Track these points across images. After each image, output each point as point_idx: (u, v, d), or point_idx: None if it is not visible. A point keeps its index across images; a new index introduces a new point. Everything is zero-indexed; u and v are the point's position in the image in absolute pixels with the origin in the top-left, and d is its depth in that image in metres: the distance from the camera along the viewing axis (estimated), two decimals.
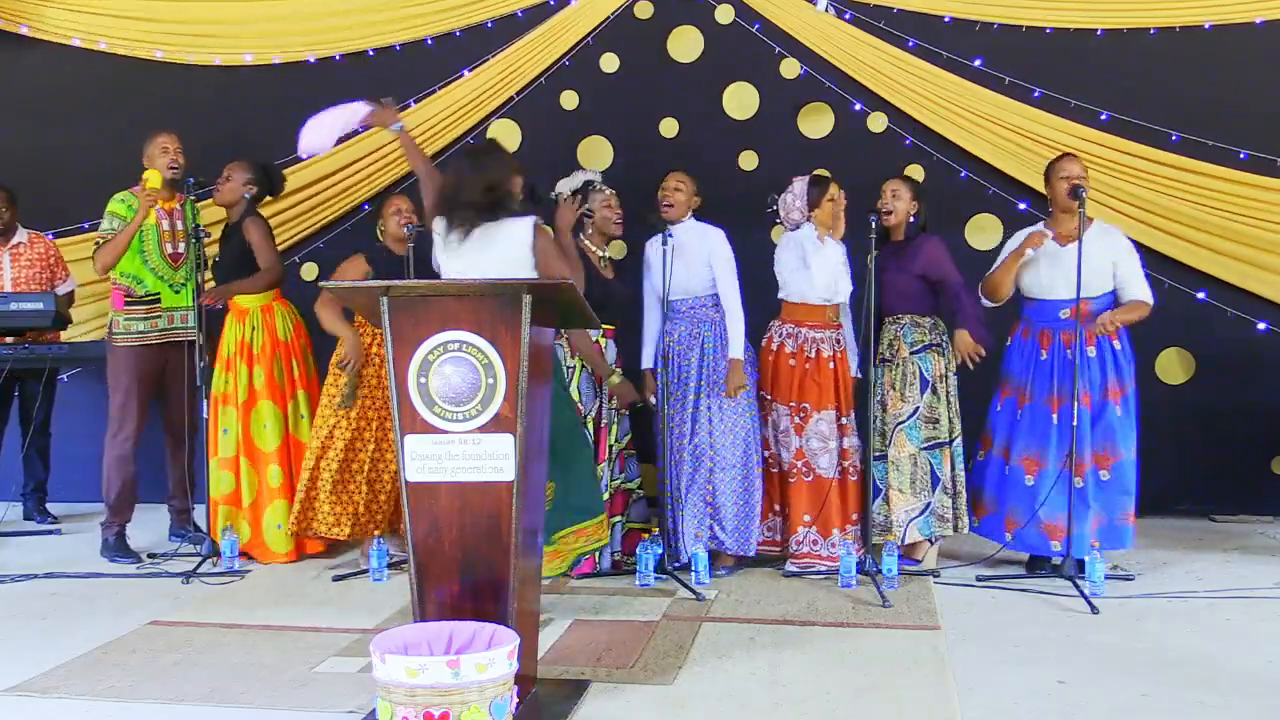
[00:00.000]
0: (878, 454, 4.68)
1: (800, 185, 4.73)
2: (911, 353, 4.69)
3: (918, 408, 4.67)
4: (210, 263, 5.08)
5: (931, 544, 4.73)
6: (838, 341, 4.76)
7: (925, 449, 4.67)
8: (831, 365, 4.72)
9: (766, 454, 4.76)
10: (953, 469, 4.71)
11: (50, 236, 5.95)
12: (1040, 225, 4.71)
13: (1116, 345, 4.58)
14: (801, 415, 4.69)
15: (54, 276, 5.72)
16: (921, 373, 4.68)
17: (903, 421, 4.67)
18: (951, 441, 4.71)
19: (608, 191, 4.75)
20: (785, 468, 4.72)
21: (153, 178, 4.96)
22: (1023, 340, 4.68)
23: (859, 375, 4.78)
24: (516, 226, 3.78)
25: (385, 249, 4.89)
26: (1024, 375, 4.63)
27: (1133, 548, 4.63)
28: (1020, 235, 4.72)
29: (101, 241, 4.99)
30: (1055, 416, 4.53)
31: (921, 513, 4.66)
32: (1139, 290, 4.58)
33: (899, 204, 4.75)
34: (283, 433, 5.04)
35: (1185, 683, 3.35)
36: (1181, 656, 3.61)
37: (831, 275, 4.65)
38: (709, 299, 4.76)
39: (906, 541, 4.65)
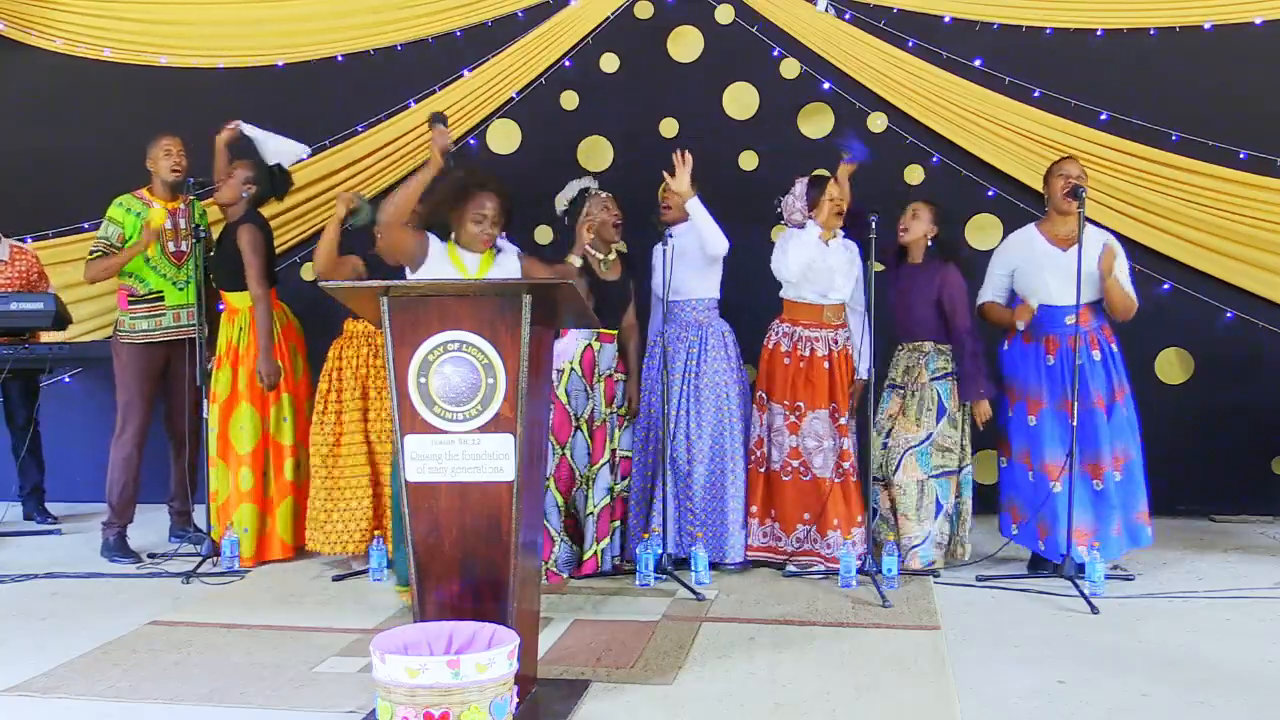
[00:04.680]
0: (875, 476, 4.67)
1: (800, 187, 4.74)
2: (932, 379, 4.68)
3: (931, 434, 4.64)
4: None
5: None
6: (835, 341, 4.76)
7: (934, 476, 4.66)
8: (826, 365, 4.71)
9: (756, 453, 4.77)
10: (958, 497, 4.70)
11: (50, 236, 5.96)
12: (1031, 226, 4.72)
13: (1113, 348, 4.59)
14: (796, 414, 4.69)
15: (35, 291, 5.68)
16: (940, 399, 4.66)
17: (914, 446, 4.64)
18: (960, 470, 4.70)
19: (604, 195, 4.75)
20: (777, 467, 4.72)
21: (156, 218, 5.03)
22: (1024, 345, 4.66)
23: (863, 377, 4.75)
24: None
25: (381, 254, 4.89)
26: (1033, 382, 4.60)
27: (1149, 544, 4.62)
28: (1014, 239, 4.74)
29: (96, 252, 5.02)
30: (1075, 421, 4.52)
31: (923, 541, 4.63)
32: (1128, 289, 4.60)
33: (915, 224, 4.72)
34: (260, 435, 5.01)
35: (1185, 683, 3.35)
36: (1181, 656, 3.61)
37: (804, 265, 4.62)
38: (708, 302, 4.78)
39: (906, 566, 4.58)
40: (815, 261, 4.64)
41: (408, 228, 3.93)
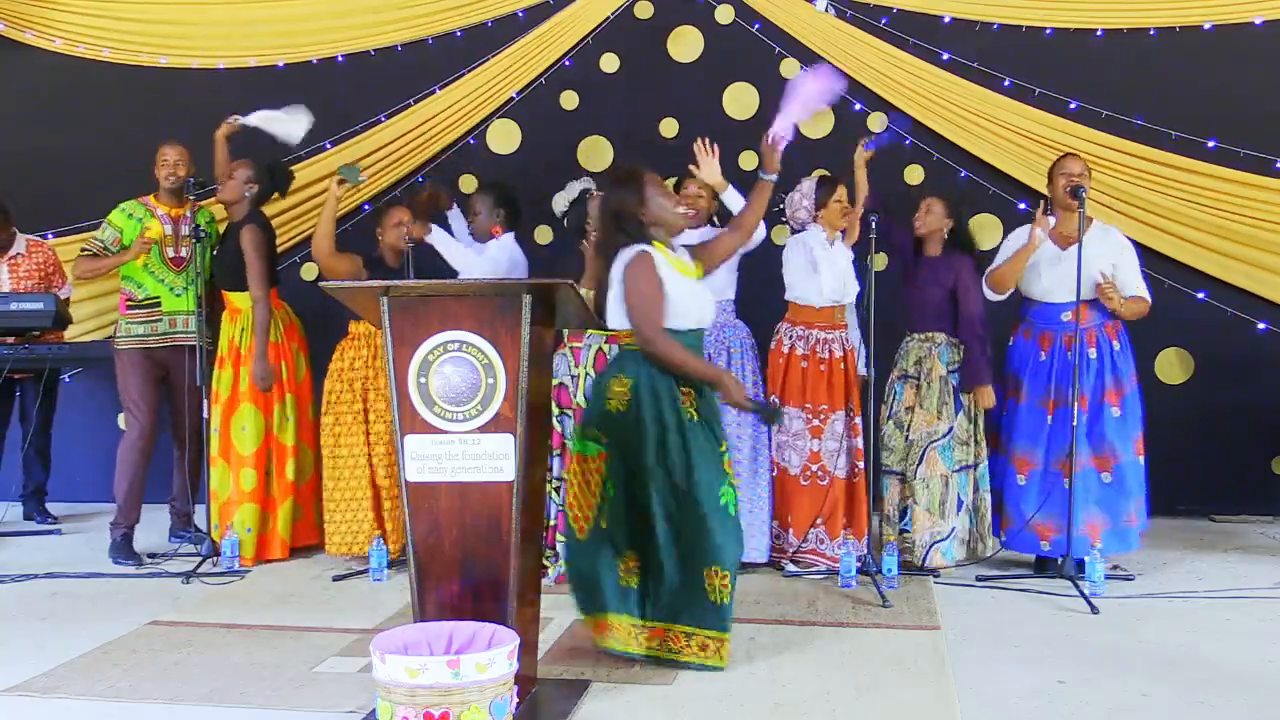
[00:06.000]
0: (889, 469, 4.68)
1: (808, 185, 4.73)
2: (948, 371, 4.67)
3: (952, 427, 4.64)
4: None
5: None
6: (846, 342, 4.75)
7: (956, 471, 4.66)
8: (843, 366, 4.72)
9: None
10: (976, 492, 4.71)
11: (50, 236, 5.96)
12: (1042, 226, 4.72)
13: (1115, 346, 4.58)
14: (820, 417, 4.68)
15: (51, 285, 5.69)
16: (956, 392, 4.67)
17: (937, 440, 4.63)
18: (977, 465, 4.70)
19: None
20: (795, 472, 4.70)
21: (154, 230, 5.02)
22: (1025, 341, 4.68)
23: (864, 374, 4.75)
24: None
25: (380, 256, 4.91)
26: (1024, 377, 4.61)
27: (1138, 549, 4.63)
28: (1019, 232, 4.72)
29: (87, 251, 5.05)
30: (1050, 418, 4.54)
31: (947, 537, 4.63)
32: (1138, 289, 4.59)
33: (929, 218, 4.71)
34: (263, 436, 5.01)
35: (1185, 683, 3.35)
36: (1181, 656, 3.61)
37: (840, 279, 4.65)
38: (727, 303, 4.75)
39: (928, 564, 4.59)
40: (824, 266, 4.63)
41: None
